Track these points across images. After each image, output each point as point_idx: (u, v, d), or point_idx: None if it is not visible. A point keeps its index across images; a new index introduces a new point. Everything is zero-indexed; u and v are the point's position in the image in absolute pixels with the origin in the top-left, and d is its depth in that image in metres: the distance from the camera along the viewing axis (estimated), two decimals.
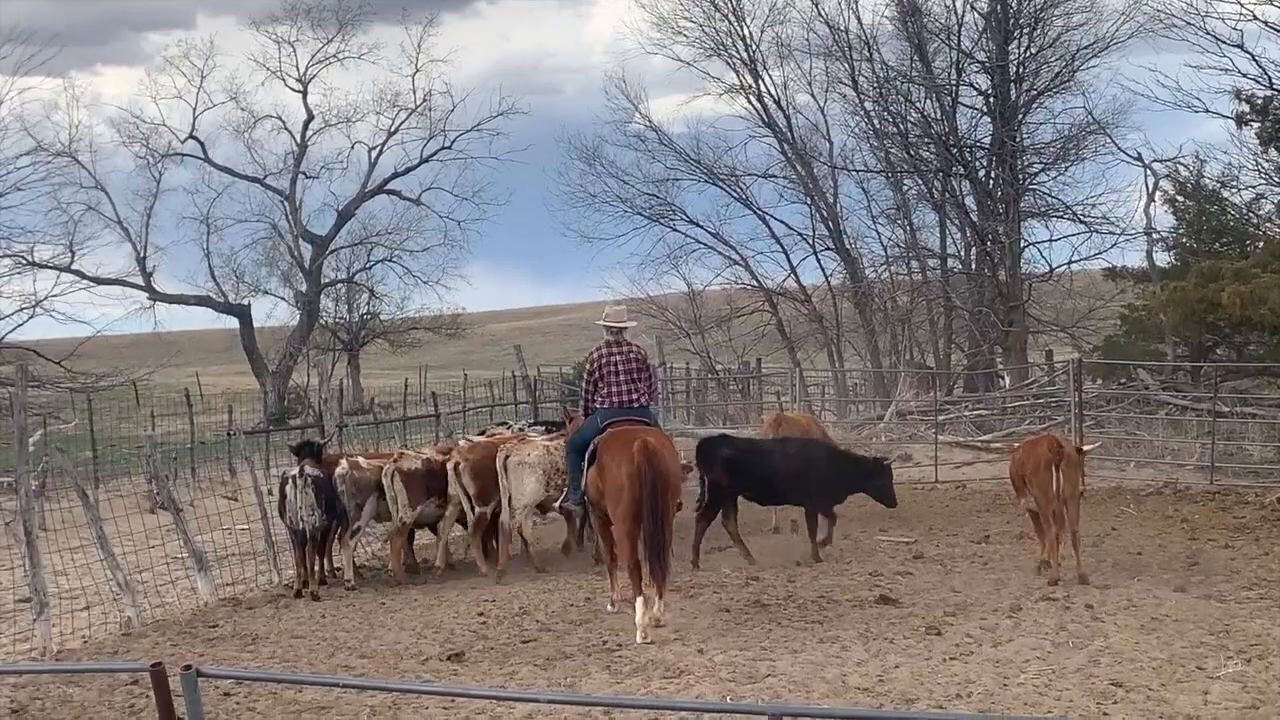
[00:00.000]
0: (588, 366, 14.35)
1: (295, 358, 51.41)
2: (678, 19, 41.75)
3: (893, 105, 39.84)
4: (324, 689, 10.78)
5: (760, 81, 41.68)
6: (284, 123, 53.01)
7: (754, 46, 41.59)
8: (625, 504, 13.06)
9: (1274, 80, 32.19)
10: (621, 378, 13.94)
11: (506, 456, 16.62)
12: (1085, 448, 15.87)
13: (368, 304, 56.67)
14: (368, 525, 17.42)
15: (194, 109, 52.12)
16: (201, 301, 52.39)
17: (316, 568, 16.42)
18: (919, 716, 9.46)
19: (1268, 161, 33.18)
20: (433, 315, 56.55)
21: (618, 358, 14.00)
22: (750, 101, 41.78)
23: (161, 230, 56.71)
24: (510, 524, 16.62)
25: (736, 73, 41.88)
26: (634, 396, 13.93)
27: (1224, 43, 32.91)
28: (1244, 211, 35.05)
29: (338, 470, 16.77)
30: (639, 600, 12.82)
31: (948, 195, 39.68)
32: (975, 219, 38.99)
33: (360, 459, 17.37)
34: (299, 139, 53.09)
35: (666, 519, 13.11)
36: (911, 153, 39.87)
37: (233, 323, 53.06)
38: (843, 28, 40.02)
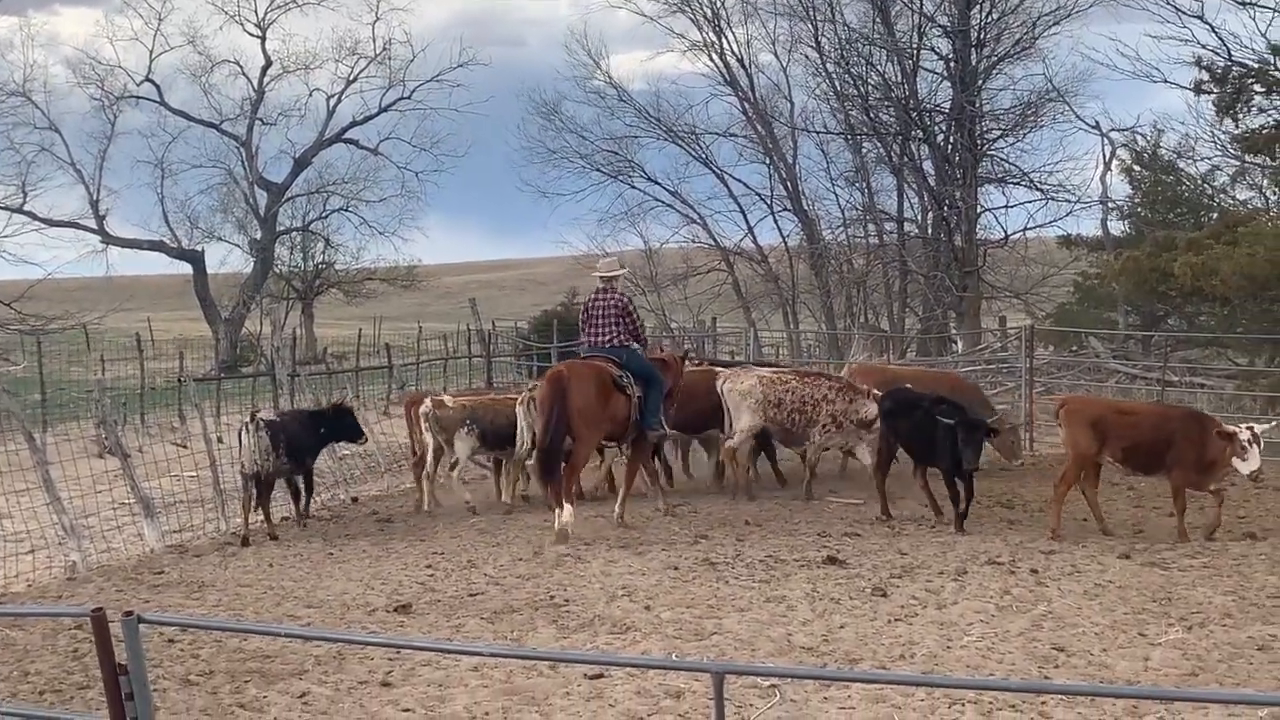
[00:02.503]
0: (581, 312, 16.82)
1: (248, 305, 51.17)
2: None
3: (854, 67, 39.81)
4: (270, 638, 10.77)
5: (723, 39, 41.64)
6: (241, 68, 52.74)
7: (719, 4, 41.51)
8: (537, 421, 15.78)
9: (1233, 51, 32.36)
10: (599, 322, 16.16)
11: (724, 384, 17.68)
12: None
13: (323, 253, 56.56)
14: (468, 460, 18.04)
15: (150, 52, 51.76)
16: (155, 246, 52.05)
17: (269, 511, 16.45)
18: (861, 676, 9.52)
19: (1224, 133, 33.41)
20: (388, 266, 56.43)
21: (601, 304, 16.24)
22: (713, 59, 41.74)
23: (115, 173, 56.46)
24: (733, 445, 17.67)
25: (700, 30, 41.81)
26: (609, 337, 16.09)
27: (1184, 13, 33.09)
28: (1199, 182, 35.34)
29: (421, 408, 17.59)
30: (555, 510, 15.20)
31: (906, 159, 39.72)
32: (933, 184, 39.06)
33: (445, 398, 18.24)
34: (256, 85, 52.79)
35: (576, 440, 15.57)
36: (871, 115, 39.88)
37: (186, 268, 52.76)
38: None
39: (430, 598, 12.66)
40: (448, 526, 16.38)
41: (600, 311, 16.23)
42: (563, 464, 15.61)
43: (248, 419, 16.46)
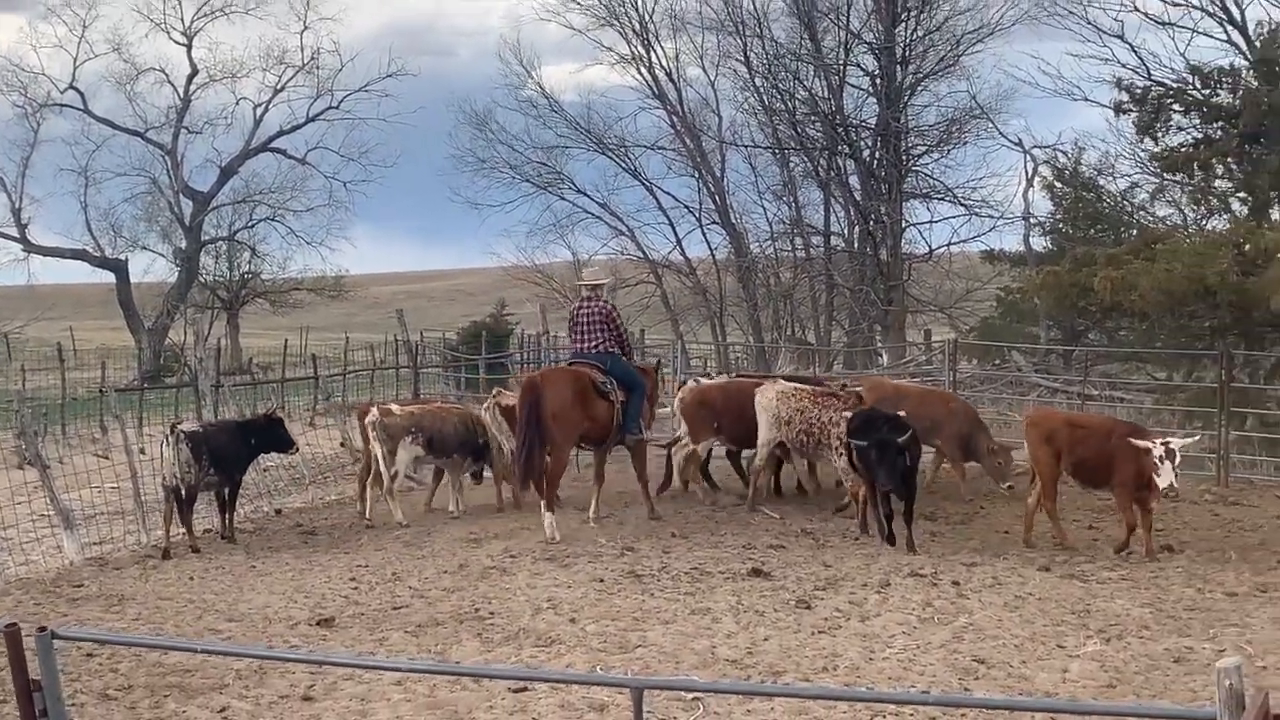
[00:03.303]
0: (568, 320, 17.66)
1: (172, 315, 50.71)
2: None
3: (782, 83, 40.01)
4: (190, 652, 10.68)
5: (653, 53, 41.71)
6: (167, 76, 52.32)
7: (648, 17, 41.60)
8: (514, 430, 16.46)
9: (1152, 71, 32.89)
10: (585, 329, 16.86)
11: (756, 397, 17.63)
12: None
13: (249, 263, 56.18)
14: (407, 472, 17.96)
15: (75, 59, 51.31)
16: (78, 255, 51.49)
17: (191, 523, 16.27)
18: (782, 690, 9.57)
19: (1143, 151, 33.90)
20: (315, 276, 56.11)
21: (587, 311, 16.91)
22: (642, 72, 41.80)
23: (38, 181, 55.88)
24: (758, 461, 17.85)
25: (629, 43, 41.86)
26: (594, 343, 16.77)
27: (1105, 33, 33.70)
28: (1119, 199, 35.81)
29: (368, 417, 17.45)
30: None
31: (833, 174, 39.97)
32: (859, 198, 39.33)
33: (392, 405, 18.11)
34: (182, 93, 52.37)
35: (553, 445, 15.95)
36: (799, 130, 40.08)
37: (109, 277, 52.19)
38: (735, 3, 40.11)
39: (354, 611, 12.60)
40: (372, 539, 16.30)
41: (586, 319, 16.89)
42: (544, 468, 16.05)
43: (169, 430, 16.28)
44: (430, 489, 18.65)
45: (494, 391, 19.47)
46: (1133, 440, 14.46)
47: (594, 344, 16.79)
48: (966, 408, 19.09)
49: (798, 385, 17.82)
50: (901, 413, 15.69)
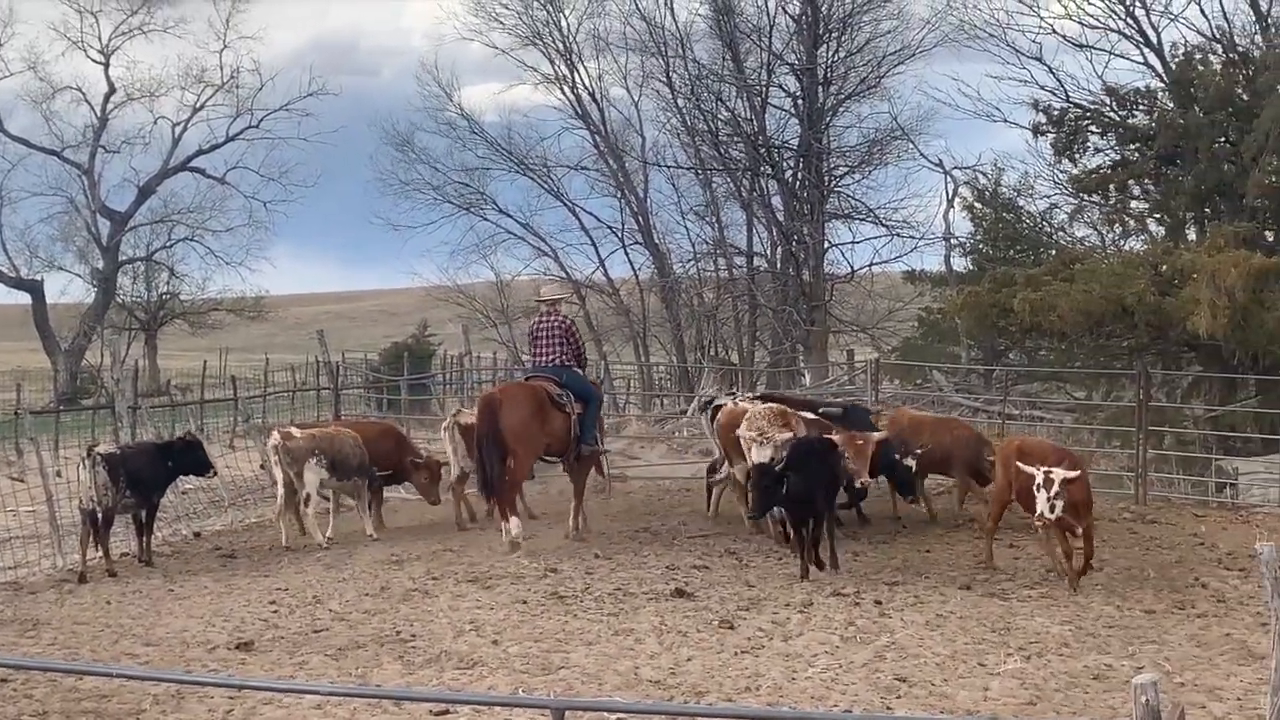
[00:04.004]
0: (528, 333, 18.02)
1: (89, 336, 50.09)
2: (495, 4, 41.43)
3: (704, 103, 40.06)
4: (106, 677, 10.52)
5: (576, 73, 41.61)
6: (84, 95, 51.73)
7: (570, 38, 41.55)
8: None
9: (1070, 93, 33.26)
10: (545, 343, 17.17)
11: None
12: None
13: (167, 283, 55.61)
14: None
15: None
16: None
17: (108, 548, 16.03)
18: (703, 710, 9.55)
19: (1062, 172, 34.26)
20: (235, 297, 55.61)
21: (547, 326, 17.26)
22: (565, 93, 41.68)
23: None
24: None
25: (552, 63, 41.75)
26: (553, 357, 17.08)
27: (1024, 55, 33.98)
28: (1038, 220, 36.12)
29: (270, 441, 17.15)
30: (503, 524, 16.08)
31: (755, 194, 40.06)
32: (781, 219, 39.47)
33: (292, 429, 17.82)
34: (100, 112, 51.81)
35: (514, 459, 16.08)
36: (721, 151, 40.15)
37: (24, 298, 51.50)
38: (658, 24, 40.16)
39: (273, 634, 12.48)
40: (293, 562, 16.15)
41: (546, 333, 17.23)
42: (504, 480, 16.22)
43: (85, 453, 16.06)
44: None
45: (454, 411, 19.37)
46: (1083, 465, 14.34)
47: (552, 357, 17.11)
48: (978, 437, 18.82)
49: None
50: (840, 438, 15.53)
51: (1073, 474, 13.69)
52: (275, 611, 13.41)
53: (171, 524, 18.99)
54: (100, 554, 15.84)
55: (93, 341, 50.35)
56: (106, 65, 51.78)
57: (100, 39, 51.62)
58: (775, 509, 15.31)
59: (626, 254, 42.13)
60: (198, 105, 52.34)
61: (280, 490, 17.36)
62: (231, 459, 23.12)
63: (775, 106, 39.89)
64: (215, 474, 18.25)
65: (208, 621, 13.04)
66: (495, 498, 16.46)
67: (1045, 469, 13.73)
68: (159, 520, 17.36)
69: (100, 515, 15.74)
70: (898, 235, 38.74)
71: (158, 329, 55.38)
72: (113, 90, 51.85)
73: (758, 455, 15.30)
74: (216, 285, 55.03)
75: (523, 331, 41.86)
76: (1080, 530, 13.97)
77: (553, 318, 17.42)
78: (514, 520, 16.10)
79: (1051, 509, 13.54)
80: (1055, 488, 13.51)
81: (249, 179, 52.95)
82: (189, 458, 17.24)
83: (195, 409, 32.00)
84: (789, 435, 15.55)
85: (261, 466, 23.72)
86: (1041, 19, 33.83)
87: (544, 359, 17.21)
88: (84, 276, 52.11)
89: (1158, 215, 32.45)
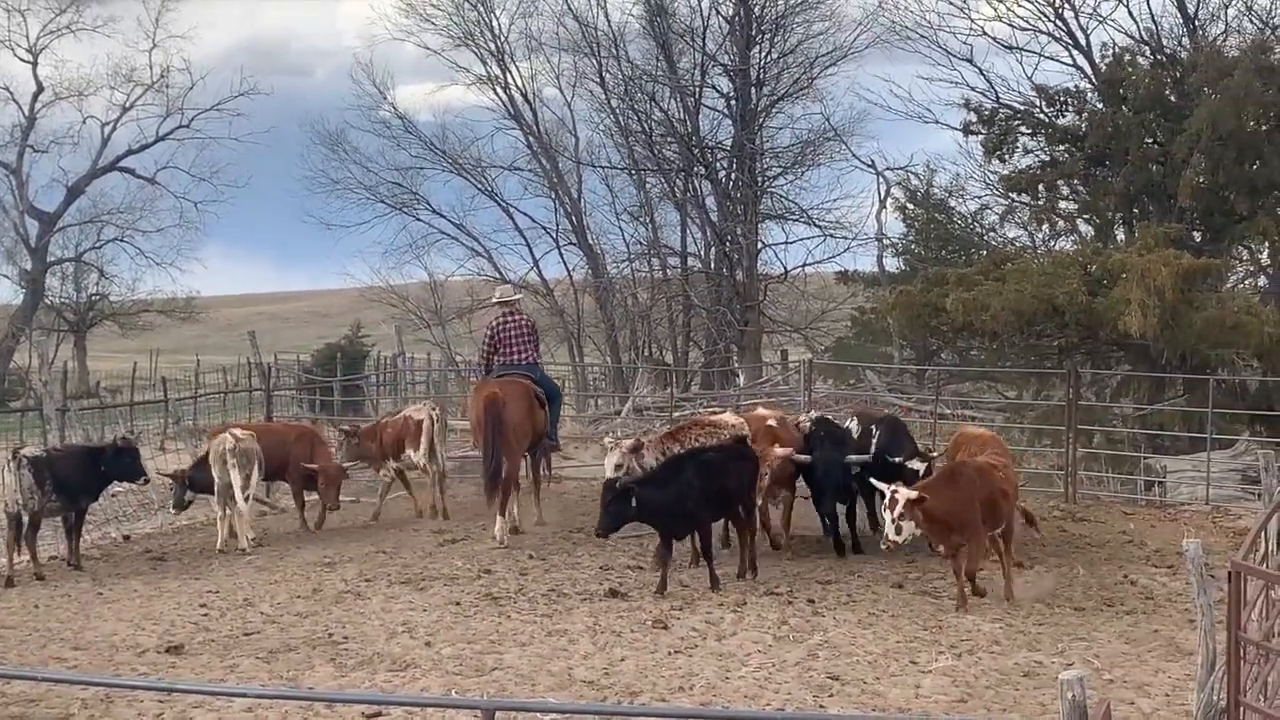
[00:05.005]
0: (487, 333, 18.20)
1: (17, 338, 49.43)
2: (426, 5, 41.24)
3: (638, 104, 40.08)
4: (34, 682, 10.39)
5: (508, 73, 41.49)
6: (11, 94, 50.97)
7: (503, 38, 41.44)
8: (476, 440, 17.35)
9: (1000, 94, 33.53)
10: (514, 343, 17.59)
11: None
12: None
13: (97, 284, 54.99)
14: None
15: None
16: None
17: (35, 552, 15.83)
18: (636, 710, 9.55)
19: (992, 173, 34.53)
20: (165, 298, 55.07)
21: (513, 325, 17.72)
22: (498, 93, 41.53)
23: None
24: None
25: (485, 63, 41.62)
26: (524, 355, 17.62)
27: (955, 56, 34.24)
28: (969, 220, 36.43)
29: (226, 443, 16.99)
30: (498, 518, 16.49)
31: (689, 195, 40.13)
32: (715, 219, 39.55)
33: (238, 430, 17.71)
34: (27, 111, 51.11)
35: (508, 454, 16.43)
36: (655, 151, 40.18)
37: None
38: (591, 24, 40.13)
39: (204, 637, 12.38)
40: (224, 564, 16.02)
41: (514, 333, 17.69)
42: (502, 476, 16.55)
43: (11, 456, 15.86)
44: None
45: (431, 408, 19.38)
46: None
47: (524, 356, 17.69)
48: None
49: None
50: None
51: (913, 495, 13.02)
52: (206, 614, 13.31)
53: (101, 527, 18.80)
54: (28, 557, 15.65)
55: (21, 343, 49.65)
56: (34, 64, 51.12)
57: (28, 37, 50.97)
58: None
59: (561, 254, 42.09)
60: (127, 105, 51.73)
61: (235, 491, 17.03)
62: (162, 461, 22.86)
63: (709, 107, 40.00)
64: (147, 482, 17.94)
65: (137, 625, 12.92)
66: (503, 493, 16.63)
67: (893, 488, 13.23)
68: (88, 523, 17.19)
69: (26, 519, 15.55)
70: (831, 236, 38.97)
71: (87, 330, 54.83)
72: (41, 89, 51.21)
73: (607, 464, 15.49)
74: (147, 286, 54.48)
75: (456, 333, 42.11)
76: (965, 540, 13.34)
77: (517, 317, 18.05)
78: (499, 520, 16.56)
79: (897, 530, 13.04)
80: (899, 508, 12.99)
81: (179, 179, 52.45)
82: (122, 463, 16.89)
83: (125, 411, 31.64)
84: (637, 445, 15.59)
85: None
86: (972, 21, 34.12)
87: (515, 357, 17.63)
88: (12, 277, 51.48)
89: (1087, 215, 32.73)
